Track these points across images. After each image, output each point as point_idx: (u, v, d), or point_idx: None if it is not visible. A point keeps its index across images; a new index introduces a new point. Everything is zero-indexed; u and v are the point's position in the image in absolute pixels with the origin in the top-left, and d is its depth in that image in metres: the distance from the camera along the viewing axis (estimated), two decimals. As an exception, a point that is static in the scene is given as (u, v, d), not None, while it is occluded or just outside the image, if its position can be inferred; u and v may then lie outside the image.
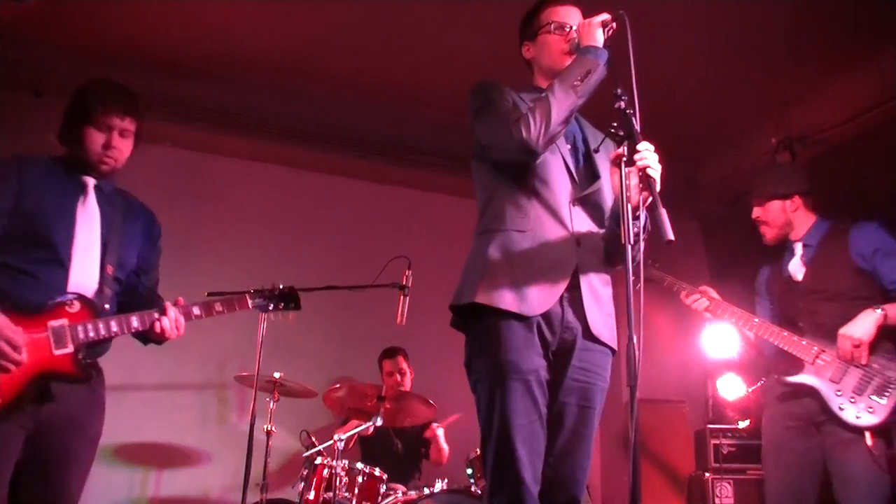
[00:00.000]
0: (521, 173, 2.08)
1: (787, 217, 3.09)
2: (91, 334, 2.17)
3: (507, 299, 1.97)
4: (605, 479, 5.23)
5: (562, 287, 2.01)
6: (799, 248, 3.08)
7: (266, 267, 4.89)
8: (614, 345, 2.11)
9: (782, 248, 3.16)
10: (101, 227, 2.30)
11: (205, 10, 4.35)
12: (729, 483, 4.23)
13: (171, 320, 2.27)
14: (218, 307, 2.39)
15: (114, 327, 2.21)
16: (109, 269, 2.27)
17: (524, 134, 1.96)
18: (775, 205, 3.09)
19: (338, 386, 3.59)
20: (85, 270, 2.23)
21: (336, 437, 3.45)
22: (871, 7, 3.99)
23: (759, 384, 4.74)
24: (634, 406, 1.67)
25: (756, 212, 3.14)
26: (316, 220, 5.29)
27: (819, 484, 2.87)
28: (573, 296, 2.04)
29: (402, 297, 3.47)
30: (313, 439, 3.59)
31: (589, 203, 2.13)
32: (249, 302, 2.49)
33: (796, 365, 2.90)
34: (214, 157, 5.18)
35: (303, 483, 3.52)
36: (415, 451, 4.33)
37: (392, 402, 3.55)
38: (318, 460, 3.51)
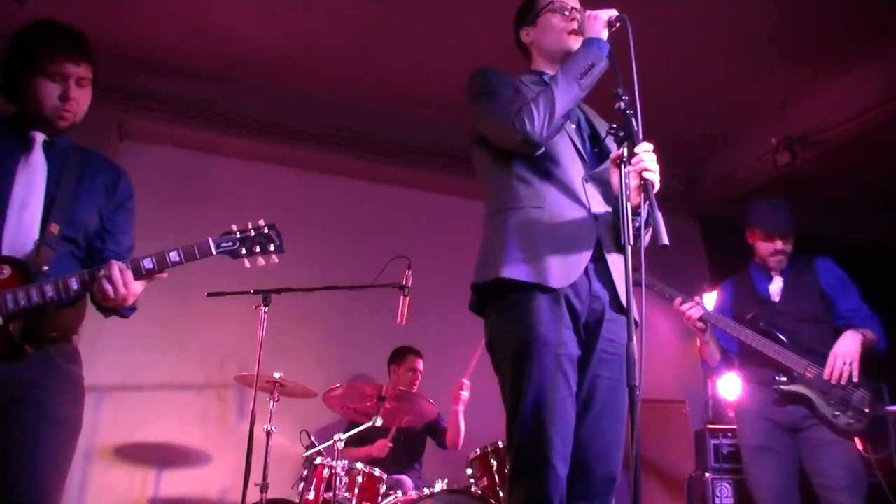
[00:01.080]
0: (530, 155, 2.06)
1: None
2: (22, 303, 1.90)
3: (533, 272, 1.93)
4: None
5: (586, 258, 1.99)
6: (777, 274, 3.42)
7: (266, 266, 4.89)
8: (637, 316, 2.05)
9: (748, 272, 3.51)
10: (46, 184, 2.05)
11: (205, 10, 4.35)
12: (729, 483, 4.23)
13: (114, 279, 1.96)
14: (174, 256, 2.04)
15: (49, 292, 1.93)
16: (54, 228, 2.01)
17: (528, 126, 1.95)
18: (792, 237, 3.39)
19: (338, 386, 3.58)
20: (21, 230, 1.99)
21: (336, 437, 3.45)
22: (871, 7, 4.00)
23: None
24: (635, 406, 1.67)
25: (779, 244, 3.36)
26: (316, 220, 5.29)
27: (800, 484, 3.18)
28: (598, 267, 2.02)
29: (402, 297, 3.47)
30: (313, 439, 3.59)
31: (600, 181, 2.12)
32: (213, 247, 2.09)
33: (782, 374, 3.18)
34: (214, 157, 5.18)
35: (302, 483, 3.52)
36: (418, 440, 4.33)
37: (392, 401, 3.55)
38: (318, 460, 3.51)
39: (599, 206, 2.07)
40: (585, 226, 2.02)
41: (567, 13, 2.22)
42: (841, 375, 3.05)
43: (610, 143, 2.18)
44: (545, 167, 2.06)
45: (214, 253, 2.10)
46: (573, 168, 2.08)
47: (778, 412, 3.20)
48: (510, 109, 2.01)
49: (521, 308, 1.93)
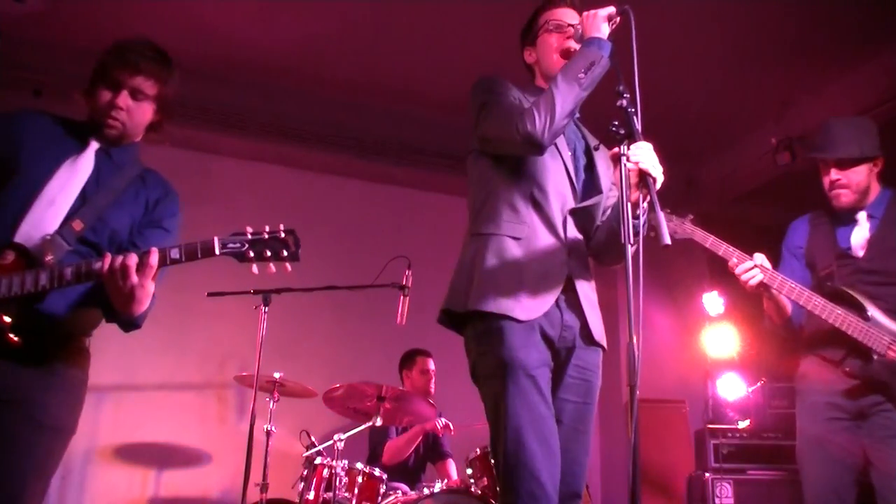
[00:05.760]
0: (521, 174, 2.08)
1: (868, 181, 2.70)
2: (15, 289, 1.81)
3: (503, 306, 1.97)
4: (605, 479, 5.23)
5: (555, 294, 2.03)
6: (863, 218, 2.71)
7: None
8: (605, 344, 2.14)
9: (830, 209, 2.79)
10: (85, 186, 2.00)
11: (205, 10, 4.36)
12: (729, 483, 4.23)
13: (113, 261, 1.85)
14: (174, 254, 1.89)
15: (42, 280, 1.83)
16: (77, 225, 1.93)
17: (529, 127, 1.95)
18: (862, 169, 2.68)
19: (338, 386, 3.58)
20: (42, 220, 1.92)
21: (336, 437, 3.45)
22: (871, 7, 4.00)
23: (759, 384, 4.75)
24: (634, 406, 1.67)
25: (836, 174, 2.69)
26: (316, 220, 5.27)
27: (858, 482, 2.64)
28: (569, 298, 2.07)
29: (401, 297, 3.48)
30: (313, 439, 3.59)
31: (584, 213, 2.14)
32: (217, 247, 1.91)
33: (856, 354, 2.57)
34: (214, 157, 5.18)
35: (302, 483, 3.52)
36: (423, 455, 4.33)
37: (392, 401, 3.55)
38: (318, 460, 3.51)
39: (575, 238, 2.10)
40: (558, 262, 2.05)
41: (564, 30, 2.20)
42: None
43: (603, 168, 2.19)
44: (532, 192, 2.07)
45: (218, 253, 1.92)
46: (560, 197, 2.09)
47: (844, 397, 2.60)
48: (513, 113, 2.01)
49: (497, 333, 1.97)
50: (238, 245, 1.93)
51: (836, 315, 2.53)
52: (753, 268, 2.55)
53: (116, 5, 4.30)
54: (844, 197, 2.70)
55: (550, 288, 2.02)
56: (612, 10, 2.06)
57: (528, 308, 1.98)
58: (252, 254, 1.94)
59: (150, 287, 1.89)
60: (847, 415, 2.61)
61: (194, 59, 4.75)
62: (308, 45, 4.63)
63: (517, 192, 2.08)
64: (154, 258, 1.86)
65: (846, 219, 2.74)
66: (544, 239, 2.05)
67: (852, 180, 2.68)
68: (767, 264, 2.59)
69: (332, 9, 4.30)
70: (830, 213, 2.79)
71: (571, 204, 2.11)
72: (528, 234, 2.04)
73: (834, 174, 2.70)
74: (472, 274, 2.04)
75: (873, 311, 2.55)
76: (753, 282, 2.56)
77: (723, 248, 2.58)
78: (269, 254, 1.94)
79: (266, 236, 1.95)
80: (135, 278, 1.84)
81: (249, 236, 1.95)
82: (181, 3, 4.30)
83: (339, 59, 4.74)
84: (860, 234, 2.70)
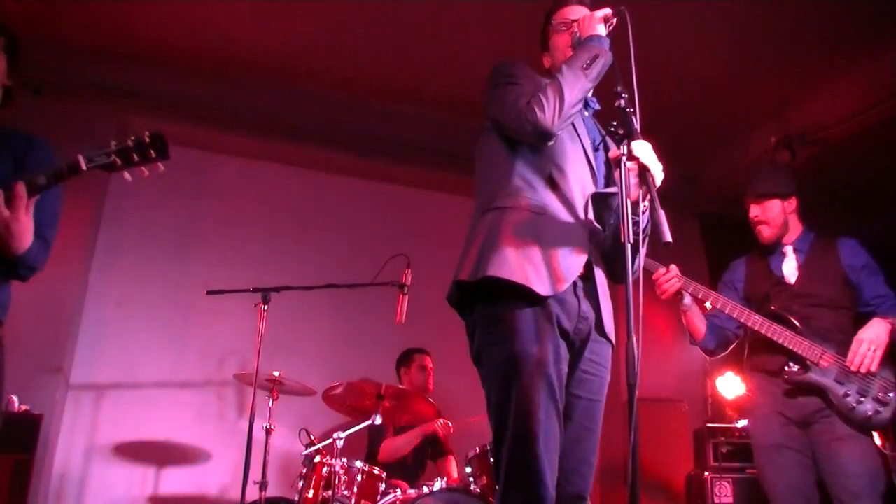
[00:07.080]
0: (540, 154, 2.03)
1: (784, 217, 3.14)
2: None
3: (522, 275, 1.85)
4: (605, 478, 5.23)
5: (577, 270, 1.94)
6: (790, 252, 3.14)
7: (265, 265, 4.89)
8: (614, 339, 2.07)
9: (763, 249, 3.22)
10: None
11: (205, 9, 4.35)
12: (728, 482, 4.23)
13: None
14: (41, 180, 1.88)
15: None
16: None
17: (538, 115, 1.91)
18: (775, 204, 3.14)
19: (337, 384, 3.58)
20: None
21: (335, 435, 3.45)
22: (871, 7, 4.00)
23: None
24: (634, 405, 1.67)
25: (754, 210, 3.17)
26: (316, 219, 5.29)
27: (816, 481, 2.92)
28: (587, 287, 2.00)
29: (401, 296, 3.48)
30: (312, 437, 3.59)
31: (602, 203, 2.09)
32: (83, 162, 1.89)
33: (794, 363, 2.91)
34: (214, 155, 5.18)
35: (302, 481, 3.52)
36: (422, 452, 4.33)
37: (391, 400, 3.55)
38: (317, 459, 3.51)
39: (595, 224, 2.06)
40: (581, 241, 1.98)
41: (571, 27, 2.19)
42: (863, 363, 2.80)
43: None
44: (551, 174, 2.02)
45: (85, 168, 1.90)
46: (580, 181, 2.05)
47: (789, 406, 2.94)
48: (521, 101, 1.97)
49: (509, 321, 1.86)
50: (104, 157, 1.93)
51: (773, 329, 2.91)
52: (672, 277, 2.87)
53: (116, 5, 4.30)
54: (765, 231, 3.15)
55: (572, 264, 1.92)
56: (608, 11, 2.07)
57: (548, 282, 1.87)
58: (120, 161, 1.94)
59: (27, 221, 1.89)
60: (795, 423, 2.94)
61: (195, 57, 4.76)
62: (308, 43, 4.63)
63: (535, 171, 2.02)
64: (21, 188, 1.87)
65: (777, 253, 3.17)
66: (566, 216, 1.98)
67: (768, 215, 3.14)
68: (680, 274, 2.92)
69: (331, 7, 4.29)
70: (763, 251, 3.21)
71: (591, 189, 2.06)
72: (549, 210, 1.97)
73: (752, 210, 3.18)
74: (488, 241, 1.93)
75: (805, 329, 2.92)
76: (673, 289, 2.87)
77: (646, 261, 2.85)
78: (136, 158, 1.94)
79: (131, 143, 1.95)
80: (6, 212, 1.85)
81: (114, 146, 1.94)
82: (181, 2, 4.28)
83: (339, 57, 4.74)
84: (791, 265, 3.13)
